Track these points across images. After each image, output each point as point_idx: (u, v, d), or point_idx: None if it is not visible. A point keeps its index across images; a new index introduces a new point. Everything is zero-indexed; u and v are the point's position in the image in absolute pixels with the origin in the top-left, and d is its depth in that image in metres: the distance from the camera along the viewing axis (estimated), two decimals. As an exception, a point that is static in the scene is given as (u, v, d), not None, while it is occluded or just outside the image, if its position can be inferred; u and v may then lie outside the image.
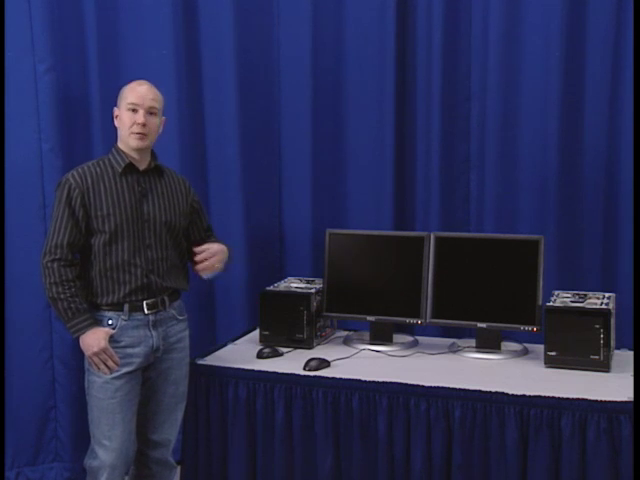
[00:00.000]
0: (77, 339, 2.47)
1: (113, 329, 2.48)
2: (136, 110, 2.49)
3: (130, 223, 2.49)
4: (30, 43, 3.07)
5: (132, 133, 2.50)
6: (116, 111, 2.56)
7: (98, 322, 2.47)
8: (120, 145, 2.55)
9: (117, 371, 2.46)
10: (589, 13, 3.06)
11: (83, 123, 3.23)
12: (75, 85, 3.21)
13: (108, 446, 2.48)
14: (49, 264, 2.43)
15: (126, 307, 2.49)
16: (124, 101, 2.52)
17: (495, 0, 3.13)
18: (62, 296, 2.42)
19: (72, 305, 2.42)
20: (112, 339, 2.46)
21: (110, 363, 2.45)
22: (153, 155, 2.61)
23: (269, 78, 3.46)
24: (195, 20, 3.37)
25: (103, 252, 2.48)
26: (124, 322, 2.49)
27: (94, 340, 2.43)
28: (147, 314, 2.52)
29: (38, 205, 3.15)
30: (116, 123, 2.56)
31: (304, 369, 2.65)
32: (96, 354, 2.43)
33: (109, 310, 2.49)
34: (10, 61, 3.08)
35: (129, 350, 2.49)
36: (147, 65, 3.23)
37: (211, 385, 2.70)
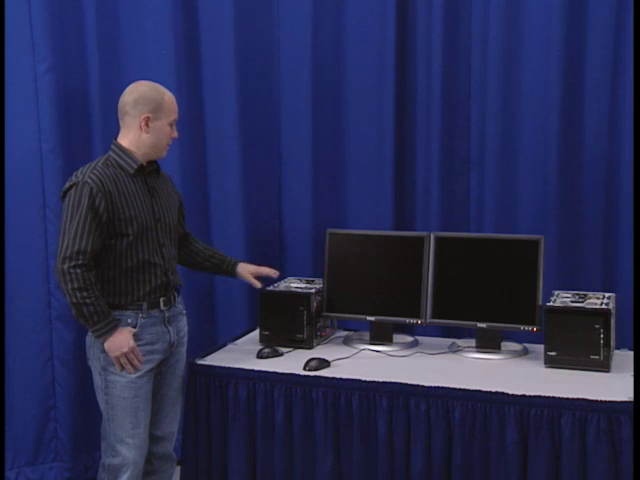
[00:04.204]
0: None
1: (134, 327, 2.50)
2: (173, 125, 2.56)
3: (149, 224, 2.52)
4: (30, 43, 3.07)
5: (167, 145, 2.57)
6: (149, 116, 2.48)
7: (119, 322, 2.48)
8: (129, 146, 2.52)
9: (140, 370, 2.50)
10: (589, 13, 3.07)
11: (83, 123, 3.23)
12: (75, 85, 3.21)
13: (131, 444, 2.51)
14: (71, 270, 2.37)
15: (144, 305, 2.52)
16: (169, 115, 2.53)
17: (495, 0, 3.14)
18: (88, 301, 2.38)
19: (97, 309, 2.40)
20: (134, 338, 2.48)
21: (136, 362, 2.48)
22: None
23: (269, 78, 3.46)
24: (195, 20, 3.38)
25: (127, 254, 2.48)
26: (143, 320, 2.52)
27: (123, 340, 2.44)
28: (163, 310, 2.56)
29: (38, 205, 3.15)
30: (144, 128, 2.49)
31: (304, 369, 2.65)
32: (125, 354, 2.45)
33: (128, 309, 2.51)
34: (10, 61, 3.08)
35: (150, 347, 2.53)
36: (147, 65, 3.23)
37: (211, 385, 2.70)
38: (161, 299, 2.56)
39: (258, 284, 2.89)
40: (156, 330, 2.55)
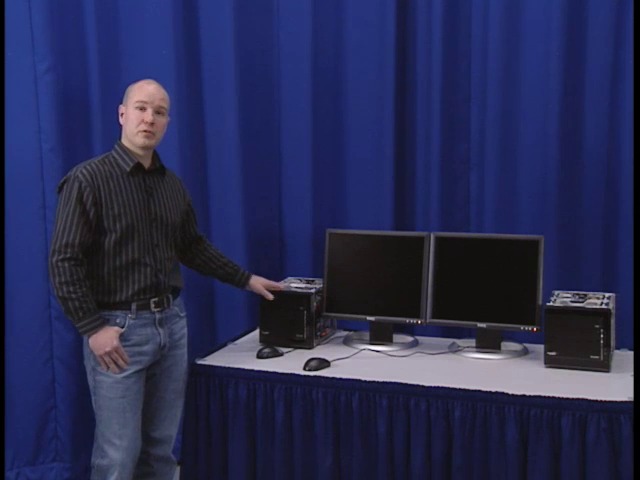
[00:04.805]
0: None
1: (121, 328, 2.48)
2: (144, 108, 2.50)
3: (140, 222, 2.50)
4: (30, 43, 3.07)
5: (139, 131, 2.50)
6: (122, 108, 2.56)
7: (107, 321, 2.47)
8: (125, 143, 2.55)
9: (127, 370, 2.48)
10: (589, 13, 3.07)
11: (83, 123, 3.23)
12: (75, 85, 3.21)
13: (119, 445, 2.50)
14: (59, 263, 2.39)
15: (134, 306, 2.50)
16: (132, 99, 2.52)
17: (495, 0, 3.14)
18: (74, 296, 2.39)
19: (84, 305, 2.40)
20: (121, 338, 2.47)
21: (120, 362, 2.46)
22: (156, 155, 2.62)
23: (269, 78, 3.46)
24: (195, 20, 3.38)
25: (114, 251, 2.48)
26: (132, 321, 2.51)
27: (106, 339, 2.43)
28: (154, 312, 2.54)
29: (38, 205, 3.15)
30: (121, 121, 2.56)
31: (304, 369, 2.65)
32: (108, 353, 2.43)
33: (117, 309, 2.50)
34: (10, 61, 3.08)
35: (137, 348, 2.51)
36: (147, 65, 3.23)
37: (211, 385, 2.70)
38: (152, 300, 2.54)
39: (270, 296, 2.90)
40: (146, 331, 2.53)
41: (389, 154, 3.33)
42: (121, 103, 2.57)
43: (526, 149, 3.19)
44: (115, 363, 2.45)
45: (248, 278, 2.91)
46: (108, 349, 2.43)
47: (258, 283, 2.92)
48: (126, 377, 2.48)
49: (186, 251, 2.84)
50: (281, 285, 3.01)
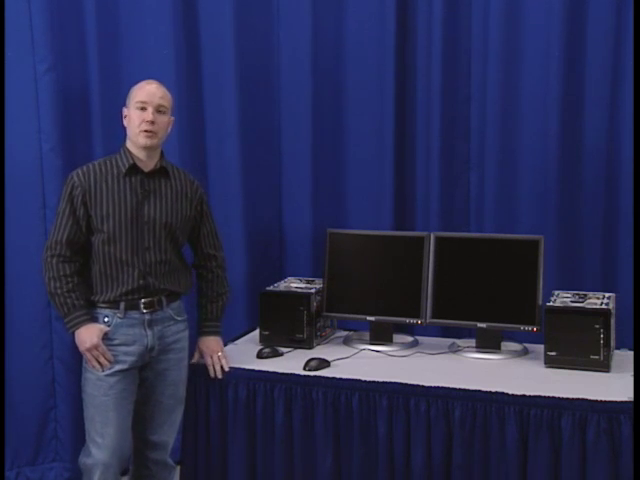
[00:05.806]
0: (73, 335, 2.49)
1: (108, 326, 2.49)
2: (145, 108, 2.50)
3: (128, 224, 2.50)
4: (30, 43, 3.08)
5: (141, 131, 2.50)
6: (125, 111, 2.56)
7: (94, 319, 2.49)
8: (128, 145, 2.56)
9: (110, 368, 2.48)
10: (589, 13, 3.07)
11: (83, 123, 3.23)
12: (75, 85, 3.21)
13: (101, 444, 2.49)
14: (49, 259, 2.48)
15: (122, 305, 2.50)
16: (133, 100, 2.52)
17: (495, 0, 3.14)
18: (59, 291, 2.46)
19: (68, 300, 2.46)
20: (107, 336, 2.48)
21: (102, 360, 2.46)
22: (161, 155, 2.61)
23: (269, 78, 3.47)
24: (195, 20, 3.38)
25: (102, 251, 2.49)
26: (120, 320, 2.51)
27: (87, 336, 2.45)
28: (143, 313, 2.53)
29: (38, 205, 3.16)
30: (125, 123, 2.56)
31: (304, 369, 2.64)
32: (89, 350, 2.45)
33: (105, 307, 2.51)
34: (10, 61, 3.08)
35: (123, 348, 2.50)
36: (147, 65, 3.23)
37: (211, 385, 2.70)
38: (141, 301, 2.52)
39: (208, 363, 2.66)
40: (133, 332, 2.51)
41: (389, 154, 3.33)
42: (124, 105, 2.57)
43: (526, 149, 3.19)
44: (98, 360, 2.46)
45: (201, 334, 2.71)
46: (88, 345, 2.44)
47: (204, 345, 2.69)
48: (109, 375, 2.48)
49: (197, 268, 2.77)
50: (223, 362, 2.67)
